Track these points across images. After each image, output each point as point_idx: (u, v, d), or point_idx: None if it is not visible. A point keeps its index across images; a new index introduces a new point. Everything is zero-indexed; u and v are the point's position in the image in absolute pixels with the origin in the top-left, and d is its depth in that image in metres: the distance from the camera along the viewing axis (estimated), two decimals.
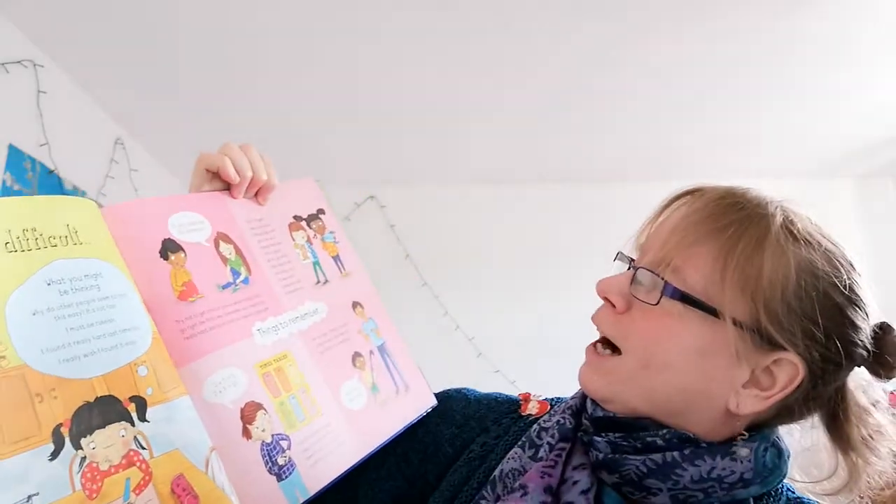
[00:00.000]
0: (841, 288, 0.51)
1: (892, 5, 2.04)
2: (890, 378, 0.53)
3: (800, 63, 2.41)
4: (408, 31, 2.12)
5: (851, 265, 0.53)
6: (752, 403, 0.52)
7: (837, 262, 0.52)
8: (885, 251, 3.62)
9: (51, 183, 2.20)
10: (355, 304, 0.72)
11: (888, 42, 2.28)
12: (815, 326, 0.50)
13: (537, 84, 2.52)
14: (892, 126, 3.08)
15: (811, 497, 0.56)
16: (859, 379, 0.55)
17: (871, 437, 0.53)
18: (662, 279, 0.53)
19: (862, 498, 0.54)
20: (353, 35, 2.14)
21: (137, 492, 0.43)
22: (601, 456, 0.54)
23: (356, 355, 0.67)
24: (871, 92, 2.69)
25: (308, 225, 0.72)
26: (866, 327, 0.52)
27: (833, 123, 3.02)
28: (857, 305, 0.51)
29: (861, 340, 0.52)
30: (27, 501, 0.38)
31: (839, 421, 0.54)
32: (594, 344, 0.59)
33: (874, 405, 0.54)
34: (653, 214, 0.59)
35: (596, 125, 2.95)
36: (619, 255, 0.60)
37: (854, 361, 0.52)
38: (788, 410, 0.54)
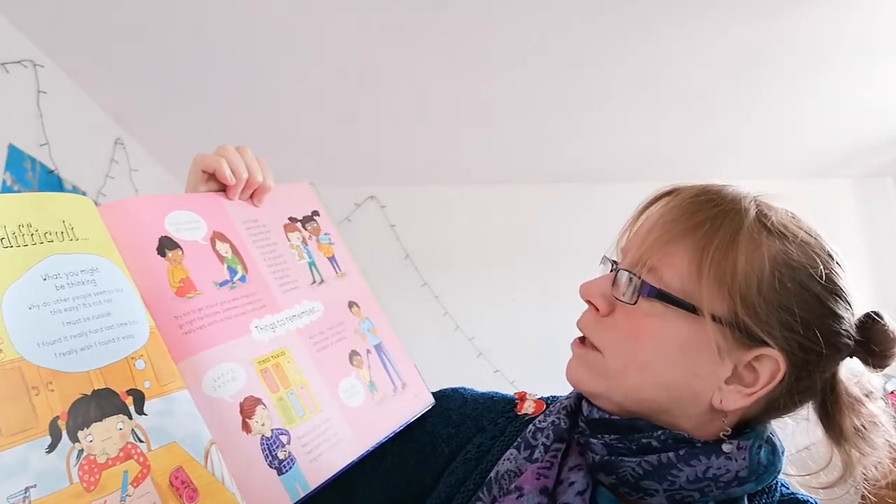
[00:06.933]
0: (818, 278, 0.51)
1: (892, 5, 2.04)
2: (880, 368, 0.53)
3: (799, 63, 2.41)
4: (408, 31, 2.13)
5: (830, 255, 0.53)
6: (735, 400, 0.52)
7: (814, 253, 0.52)
8: (885, 251, 3.63)
9: (51, 183, 2.20)
10: (351, 304, 0.72)
11: (888, 42, 2.29)
12: (792, 317, 0.50)
13: (537, 84, 2.52)
14: (891, 126, 3.08)
15: (806, 493, 0.56)
16: (851, 370, 0.55)
17: (865, 428, 0.53)
18: (640, 279, 0.53)
19: (858, 490, 0.54)
20: (353, 35, 2.14)
21: (135, 484, 0.43)
22: (597, 458, 0.54)
23: (353, 354, 0.68)
24: (870, 92, 2.69)
25: (303, 226, 0.72)
26: (849, 317, 0.52)
27: (832, 123, 3.02)
28: (836, 295, 0.52)
29: (845, 330, 0.52)
30: (24, 493, 0.38)
31: (831, 412, 0.54)
32: (581, 337, 0.59)
33: (867, 396, 0.54)
34: (632, 217, 0.60)
35: (596, 126, 2.96)
36: (604, 259, 0.61)
37: (839, 351, 0.52)
38: (776, 404, 0.54)
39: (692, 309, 0.51)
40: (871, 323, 0.53)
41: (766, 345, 0.50)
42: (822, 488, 0.55)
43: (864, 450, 0.53)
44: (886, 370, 0.54)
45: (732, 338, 0.51)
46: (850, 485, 0.53)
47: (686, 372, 0.52)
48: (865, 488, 0.55)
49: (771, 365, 0.51)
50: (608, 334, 0.56)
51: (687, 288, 0.52)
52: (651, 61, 2.36)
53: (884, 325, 0.53)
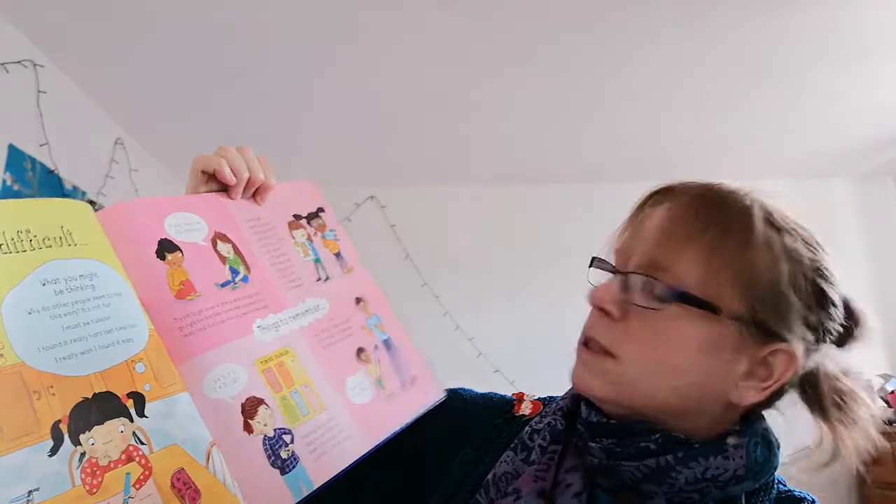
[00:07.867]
0: (822, 270, 0.53)
1: (892, 5, 2.04)
2: (847, 345, 0.55)
3: (799, 63, 2.41)
4: (408, 31, 2.13)
5: (820, 245, 0.55)
6: (751, 395, 0.53)
7: (814, 246, 0.54)
8: (885, 251, 3.63)
9: (51, 183, 2.20)
10: (358, 300, 0.72)
11: (888, 42, 2.29)
12: (807, 311, 0.52)
13: (537, 84, 2.52)
14: (892, 126, 3.08)
15: (803, 491, 0.57)
16: (826, 348, 0.56)
17: (844, 402, 0.55)
18: (658, 281, 0.52)
19: (859, 489, 0.55)
20: (353, 35, 2.14)
21: (138, 486, 0.43)
22: (596, 462, 0.54)
23: (360, 350, 0.67)
24: (870, 92, 2.69)
25: (308, 223, 0.72)
26: (840, 304, 0.54)
27: (833, 123, 3.02)
28: (832, 283, 0.54)
29: (838, 316, 0.54)
30: (27, 497, 0.38)
31: (809, 391, 0.55)
32: (585, 342, 0.58)
33: (844, 373, 0.56)
34: (628, 218, 0.59)
35: (596, 126, 2.96)
36: (595, 260, 0.60)
37: (833, 337, 0.54)
38: (778, 395, 0.55)
39: (713, 309, 0.51)
40: (851, 307, 0.55)
41: (782, 339, 0.51)
42: (819, 468, 0.56)
43: (848, 423, 0.54)
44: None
45: (749, 335, 0.51)
46: (845, 460, 0.54)
47: (704, 372, 0.52)
48: (863, 473, 0.55)
49: (785, 358, 0.52)
50: (626, 342, 0.54)
51: (705, 288, 0.52)
52: (651, 61, 2.37)
53: (860, 308, 0.55)
